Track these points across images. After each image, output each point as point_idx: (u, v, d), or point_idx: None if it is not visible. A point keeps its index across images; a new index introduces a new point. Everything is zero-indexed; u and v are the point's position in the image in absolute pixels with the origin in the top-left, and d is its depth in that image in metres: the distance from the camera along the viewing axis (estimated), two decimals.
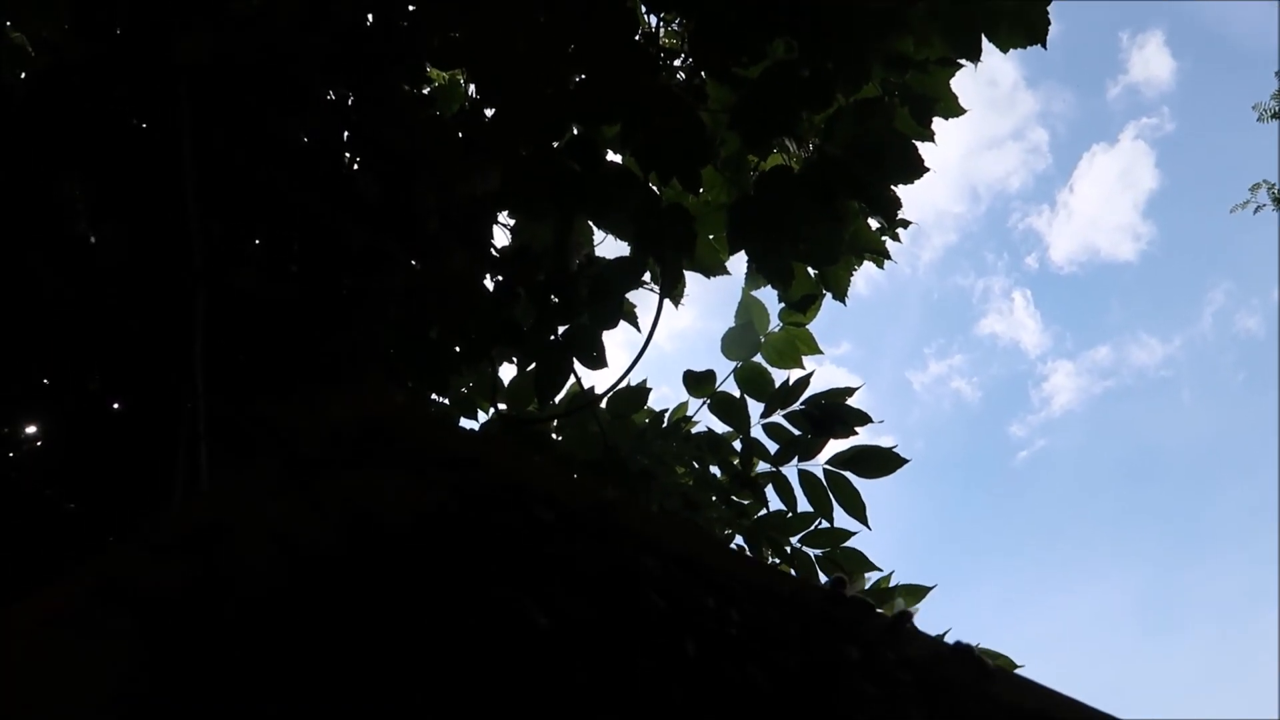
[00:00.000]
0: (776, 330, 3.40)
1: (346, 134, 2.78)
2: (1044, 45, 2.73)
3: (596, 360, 2.99)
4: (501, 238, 3.52)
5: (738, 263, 3.29)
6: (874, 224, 3.41)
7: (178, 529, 1.13)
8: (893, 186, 2.91)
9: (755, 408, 3.27)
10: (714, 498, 3.26)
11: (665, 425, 3.32)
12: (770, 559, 3.30)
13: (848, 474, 3.09)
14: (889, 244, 3.40)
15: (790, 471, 3.19)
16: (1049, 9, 2.74)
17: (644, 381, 3.33)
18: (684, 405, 3.39)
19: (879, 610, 1.13)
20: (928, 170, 2.85)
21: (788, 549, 3.23)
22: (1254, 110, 18.13)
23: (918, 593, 3.25)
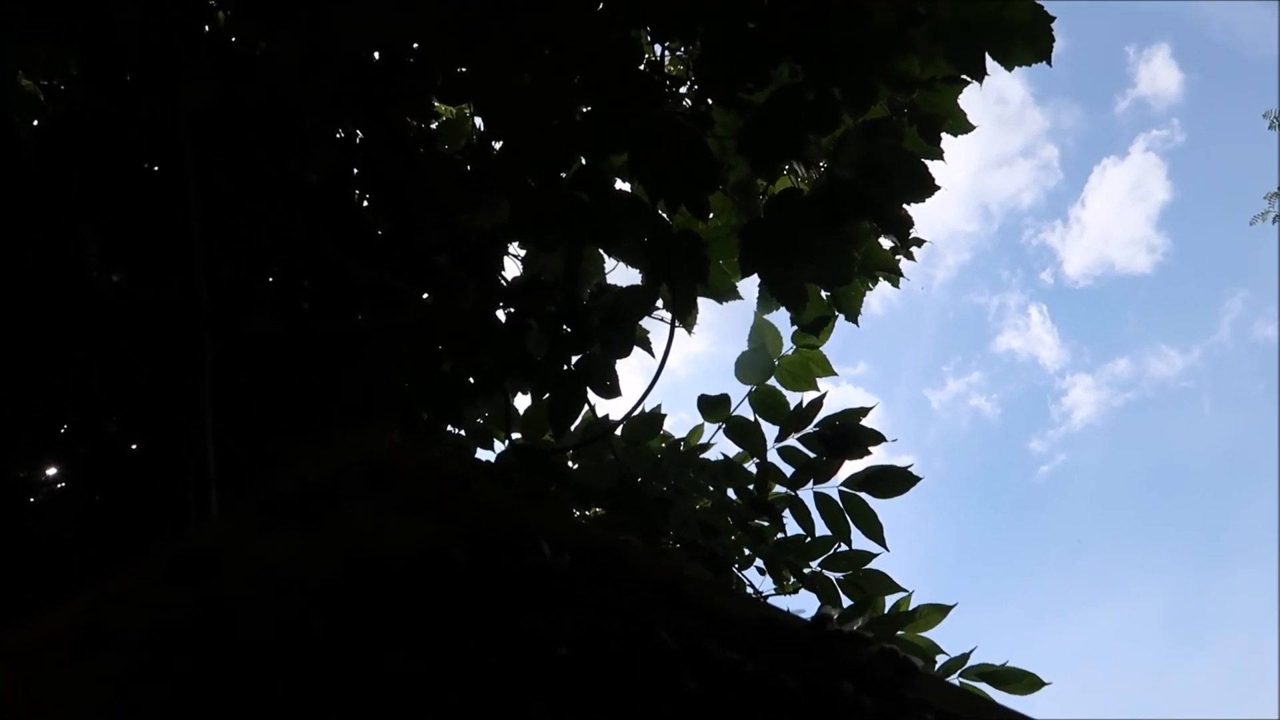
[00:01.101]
0: (790, 353, 3.39)
1: (355, 171, 2.80)
2: (1049, 62, 2.73)
3: (610, 390, 2.99)
4: (513, 269, 3.53)
5: (749, 287, 3.29)
6: (887, 243, 3.41)
7: (164, 562, 1.13)
8: (903, 205, 2.91)
9: (771, 431, 3.26)
10: (731, 522, 3.25)
11: (681, 452, 3.31)
12: (791, 583, 3.29)
13: (863, 495, 3.07)
14: (904, 263, 3.40)
15: (806, 495, 3.17)
16: (1053, 26, 2.73)
17: (658, 407, 3.32)
18: (699, 429, 3.38)
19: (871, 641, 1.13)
20: (938, 188, 2.84)
21: (807, 573, 3.21)
22: (1265, 118, 18.15)
23: (940, 611, 3.23)
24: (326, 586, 1.06)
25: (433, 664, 0.97)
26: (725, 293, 3.23)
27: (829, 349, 3.42)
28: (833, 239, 2.84)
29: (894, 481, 3.11)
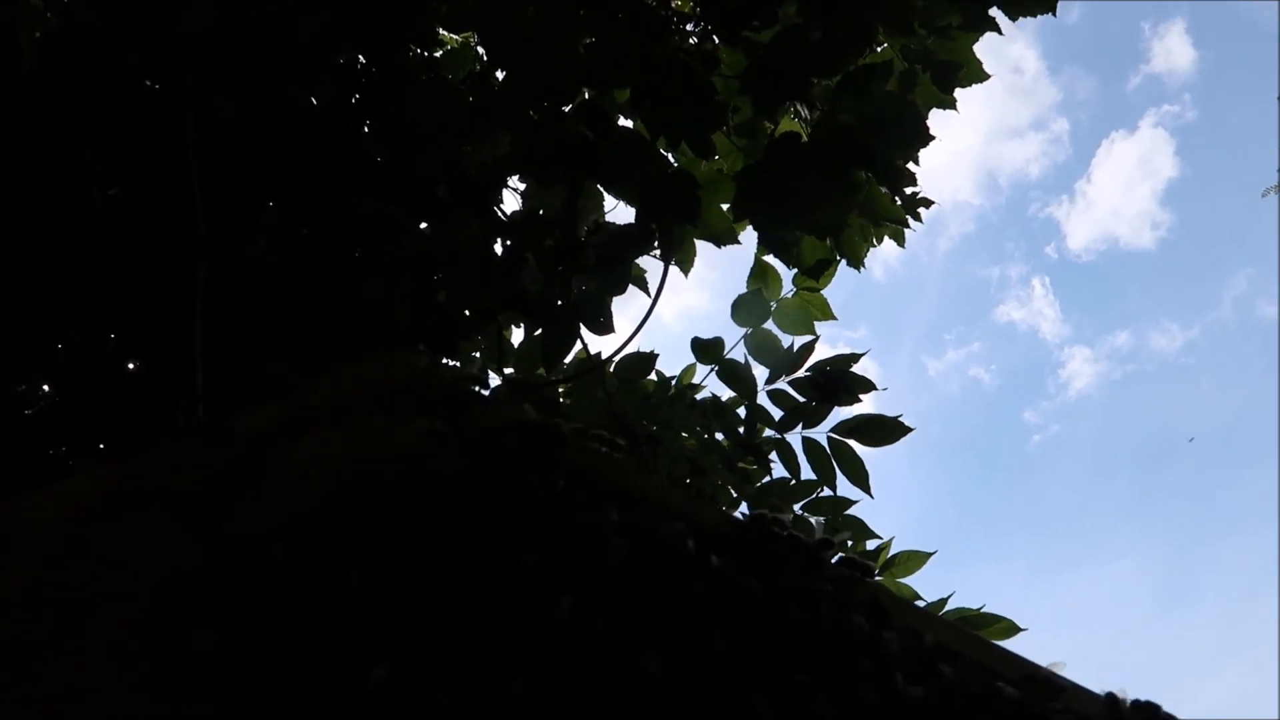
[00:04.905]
0: (789, 295, 3.38)
1: (355, 98, 2.80)
2: (1054, 13, 2.67)
3: (604, 326, 3.01)
4: (512, 202, 3.54)
5: (750, 233, 3.27)
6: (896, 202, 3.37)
7: (203, 440, 1.17)
8: (899, 157, 2.88)
9: (762, 375, 3.27)
10: (719, 464, 3.29)
11: (672, 391, 3.33)
12: None
13: (851, 442, 3.09)
14: (907, 227, 3.36)
15: (794, 438, 3.20)
16: None
17: (652, 352, 3.34)
18: (691, 369, 3.40)
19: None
20: (933, 138, 2.81)
21: (790, 515, 3.25)
22: (1278, 102, 17.77)
23: (919, 557, 3.27)
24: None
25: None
26: (724, 235, 3.21)
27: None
28: (827, 186, 2.82)
29: (884, 430, 3.11)
